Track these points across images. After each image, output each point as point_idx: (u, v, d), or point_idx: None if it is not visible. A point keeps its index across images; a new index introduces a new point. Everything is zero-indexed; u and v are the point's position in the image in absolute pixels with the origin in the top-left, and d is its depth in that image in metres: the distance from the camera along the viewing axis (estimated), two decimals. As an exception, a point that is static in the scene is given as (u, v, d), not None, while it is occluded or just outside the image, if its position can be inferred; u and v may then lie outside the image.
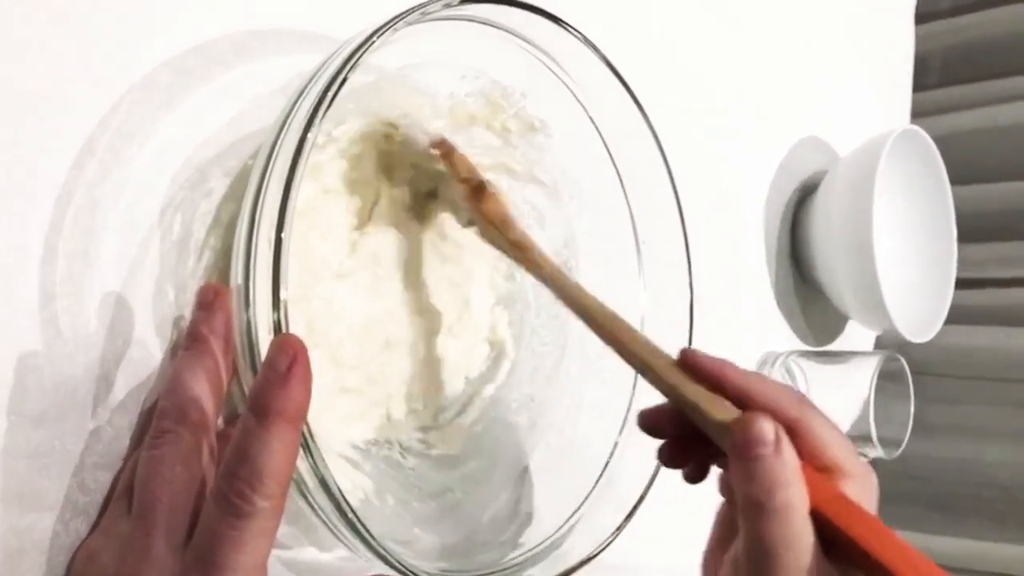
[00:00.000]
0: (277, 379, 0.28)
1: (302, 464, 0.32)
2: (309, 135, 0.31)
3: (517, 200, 0.48)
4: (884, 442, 0.68)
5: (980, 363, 1.37)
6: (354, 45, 0.34)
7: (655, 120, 0.47)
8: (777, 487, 0.30)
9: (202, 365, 0.33)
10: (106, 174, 0.36)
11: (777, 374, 0.73)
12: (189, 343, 0.34)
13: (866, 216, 0.69)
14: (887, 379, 0.69)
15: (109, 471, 0.36)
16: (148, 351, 0.37)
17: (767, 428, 0.31)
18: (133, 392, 0.36)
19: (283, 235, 0.31)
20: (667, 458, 0.37)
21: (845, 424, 0.69)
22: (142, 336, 0.37)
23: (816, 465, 0.32)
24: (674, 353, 0.36)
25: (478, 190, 0.42)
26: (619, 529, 0.44)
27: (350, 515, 0.32)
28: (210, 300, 0.35)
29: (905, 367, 0.70)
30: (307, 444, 0.31)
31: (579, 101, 0.46)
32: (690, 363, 0.35)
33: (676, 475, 0.48)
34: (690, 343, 0.49)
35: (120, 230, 0.37)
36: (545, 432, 0.48)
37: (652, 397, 0.48)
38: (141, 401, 0.37)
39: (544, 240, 0.49)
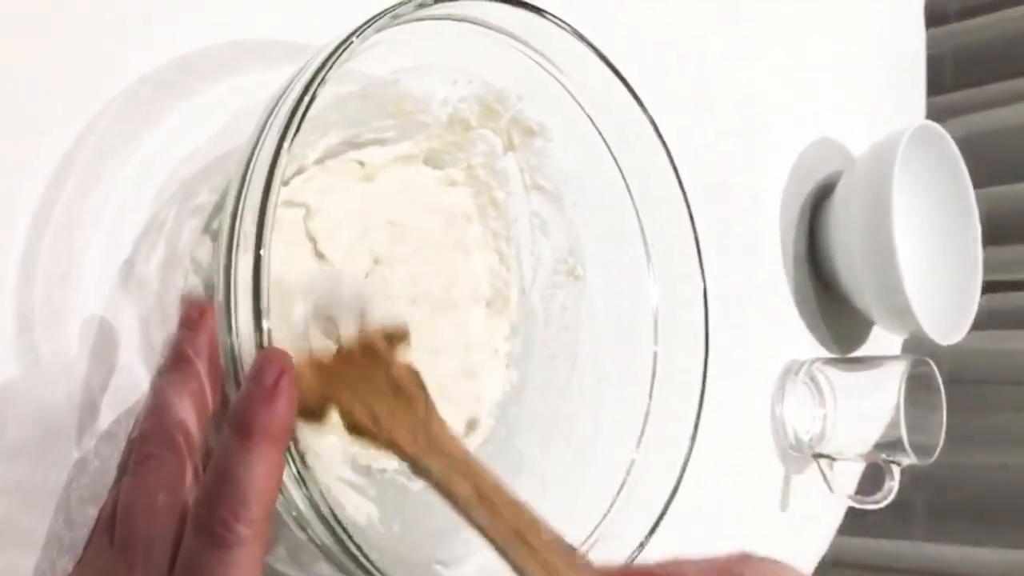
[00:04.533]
0: (261, 394, 0.27)
1: (297, 493, 0.30)
2: (284, 146, 0.29)
3: (518, 208, 0.46)
4: (917, 449, 0.65)
5: (1013, 368, 1.33)
6: (322, 57, 0.32)
7: (661, 123, 0.45)
8: None
9: (186, 387, 0.32)
10: (86, 193, 0.35)
11: (801, 383, 0.71)
12: (173, 363, 0.33)
13: (886, 215, 0.67)
14: (917, 384, 0.66)
15: (96, 504, 0.34)
16: (134, 377, 0.35)
17: None
18: (119, 420, 0.35)
19: (262, 252, 0.29)
20: None
21: (876, 432, 0.66)
22: (127, 362, 0.35)
23: None
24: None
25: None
26: (640, 548, 0.42)
27: (354, 550, 0.30)
28: (195, 318, 0.33)
29: (935, 370, 0.67)
30: (301, 474, 0.29)
31: (579, 103, 0.44)
32: None
33: (696, 494, 0.46)
34: (707, 353, 0.46)
35: (102, 251, 0.35)
36: (560, 449, 0.46)
37: (669, 411, 0.47)
38: (128, 429, 0.35)
39: (549, 249, 0.47)
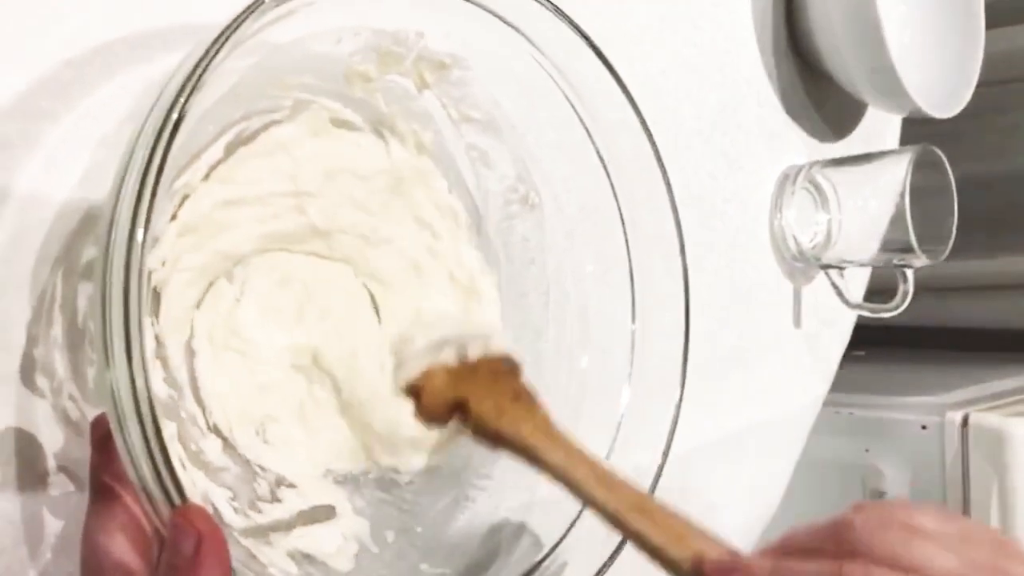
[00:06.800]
0: (185, 565, 0.24)
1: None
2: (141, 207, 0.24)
3: (451, 145, 0.41)
4: (927, 240, 0.61)
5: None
6: (179, 81, 0.26)
7: None
8: None
9: (115, 521, 0.28)
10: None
11: (801, 189, 0.66)
12: (93, 497, 0.29)
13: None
14: (924, 172, 0.61)
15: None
16: (75, 479, 0.32)
17: None
18: (68, 536, 0.32)
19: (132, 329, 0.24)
20: None
21: (883, 233, 0.62)
22: (59, 464, 0.32)
23: None
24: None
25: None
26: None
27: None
28: (105, 437, 0.29)
29: (941, 157, 0.62)
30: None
31: (494, 14, 0.37)
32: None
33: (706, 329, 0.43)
34: (682, 240, 0.42)
35: (-9, 355, 0.31)
36: (550, 391, 0.43)
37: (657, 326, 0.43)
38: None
39: (496, 180, 0.42)
